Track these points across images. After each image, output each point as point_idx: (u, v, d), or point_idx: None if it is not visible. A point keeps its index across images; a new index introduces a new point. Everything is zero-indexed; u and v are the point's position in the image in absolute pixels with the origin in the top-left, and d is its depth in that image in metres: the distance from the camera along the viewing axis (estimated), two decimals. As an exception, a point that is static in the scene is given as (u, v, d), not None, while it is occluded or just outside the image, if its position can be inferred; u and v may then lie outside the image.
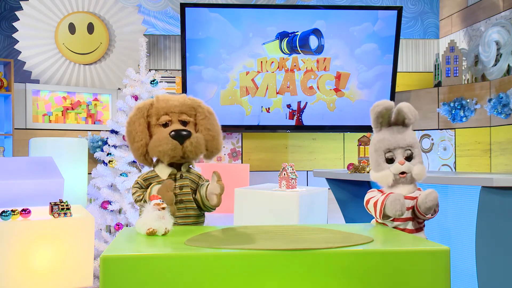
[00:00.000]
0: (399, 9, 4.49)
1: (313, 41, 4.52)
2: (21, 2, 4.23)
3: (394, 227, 1.60)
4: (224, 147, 4.72)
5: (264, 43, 4.49)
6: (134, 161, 3.26)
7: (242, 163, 4.78)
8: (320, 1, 4.87)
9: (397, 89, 4.66)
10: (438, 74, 4.59)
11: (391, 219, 1.59)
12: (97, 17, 4.40)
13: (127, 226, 3.19)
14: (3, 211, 1.99)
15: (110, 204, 3.20)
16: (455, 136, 4.26)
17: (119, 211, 3.26)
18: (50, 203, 2.11)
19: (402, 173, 1.59)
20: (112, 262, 1.13)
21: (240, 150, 4.79)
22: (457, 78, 4.36)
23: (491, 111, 3.88)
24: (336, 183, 3.24)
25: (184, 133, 1.63)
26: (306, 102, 4.58)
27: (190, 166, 1.74)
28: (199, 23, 4.39)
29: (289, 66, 4.53)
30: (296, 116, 4.58)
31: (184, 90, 4.39)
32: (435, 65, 4.62)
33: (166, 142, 1.61)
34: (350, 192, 3.20)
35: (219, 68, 4.47)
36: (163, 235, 1.39)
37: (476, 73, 4.43)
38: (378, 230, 1.52)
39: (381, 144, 1.62)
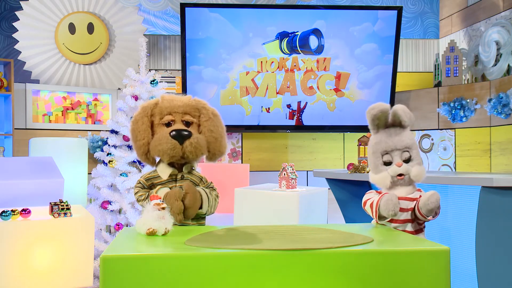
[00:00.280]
0: (399, 9, 4.49)
1: (313, 41, 4.52)
2: (21, 2, 4.23)
3: (394, 228, 1.59)
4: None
5: (264, 43, 4.49)
6: (134, 161, 3.26)
7: (242, 163, 4.78)
8: (320, 1, 4.87)
9: (397, 89, 4.66)
10: (438, 74, 4.59)
11: (388, 220, 1.59)
12: (97, 17, 4.40)
13: (127, 226, 3.19)
14: (3, 211, 1.99)
15: (110, 204, 3.20)
16: (455, 136, 4.26)
17: (119, 211, 3.26)
18: (50, 203, 2.11)
19: (400, 175, 1.59)
20: (112, 262, 1.13)
21: (240, 150, 4.79)
22: (457, 78, 4.36)
23: (491, 111, 3.88)
24: (336, 183, 3.24)
25: (185, 133, 1.63)
26: (306, 102, 4.58)
27: (192, 167, 1.73)
28: (199, 23, 4.39)
29: (289, 66, 4.53)
30: (296, 116, 4.58)
31: (184, 90, 4.39)
32: (435, 65, 4.62)
33: (166, 142, 1.61)
34: (350, 192, 3.20)
35: (219, 68, 4.47)
36: (163, 235, 1.39)
37: (476, 73, 4.43)
38: (378, 230, 1.52)
39: (378, 147, 1.62)
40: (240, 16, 4.43)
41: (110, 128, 3.35)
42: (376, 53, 4.54)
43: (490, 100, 3.90)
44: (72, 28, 4.34)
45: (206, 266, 1.15)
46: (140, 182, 1.70)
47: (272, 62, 4.52)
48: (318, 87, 4.58)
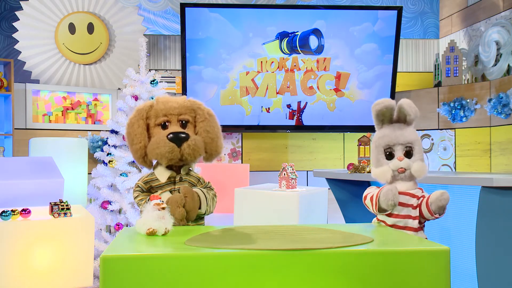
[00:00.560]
0: (399, 9, 4.49)
1: (313, 41, 4.52)
2: (21, 2, 4.23)
3: (394, 224, 1.60)
4: (224, 147, 4.71)
5: (264, 43, 4.49)
6: (134, 161, 3.26)
7: (242, 163, 4.78)
8: (320, 1, 4.87)
9: (397, 89, 4.66)
10: (438, 74, 4.59)
11: (387, 213, 1.60)
12: (97, 17, 4.40)
13: (127, 226, 3.19)
14: (3, 211, 1.99)
15: (110, 204, 3.20)
16: (455, 136, 4.26)
17: (119, 211, 3.26)
18: (50, 203, 2.11)
19: (401, 169, 1.60)
20: (112, 262, 1.13)
21: (240, 150, 4.79)
22: (457, 78, 4.36)
23: (491, 111, 3.88)
24: (336, 183, 3.24)
25: (182, 135, 1.62)
26: (306, 102, 4.58)
27: (190, 168, 1.73)
28: (199, 23, 4.39)
29: (289, 66, 4.53)
30: (296, 116, 4.58)
31: (184, 90, 4.39)
32: (435, 65, 4.62)
33: (164, 145, 1.60)
34: (350, 192, 3.20)
35: (219, 68, 4.47)
36: (163, 235, 1.39)
37: (476, 73, 4.43)
38: (378, 230, 1.52)
39: (381, 141, 1.63)
40: (240, 16, 4.43)
41: (110, 128, 3.35)
42: (376, 53, 4.54)
43: (490, 100, 3.90)
44: (72, 28, 4.34)
45: (206, 266, 1.15)
46: (138, 185, 1.69)
47: (272, 62, 4.52)
48: (318, 87, 4.58)
